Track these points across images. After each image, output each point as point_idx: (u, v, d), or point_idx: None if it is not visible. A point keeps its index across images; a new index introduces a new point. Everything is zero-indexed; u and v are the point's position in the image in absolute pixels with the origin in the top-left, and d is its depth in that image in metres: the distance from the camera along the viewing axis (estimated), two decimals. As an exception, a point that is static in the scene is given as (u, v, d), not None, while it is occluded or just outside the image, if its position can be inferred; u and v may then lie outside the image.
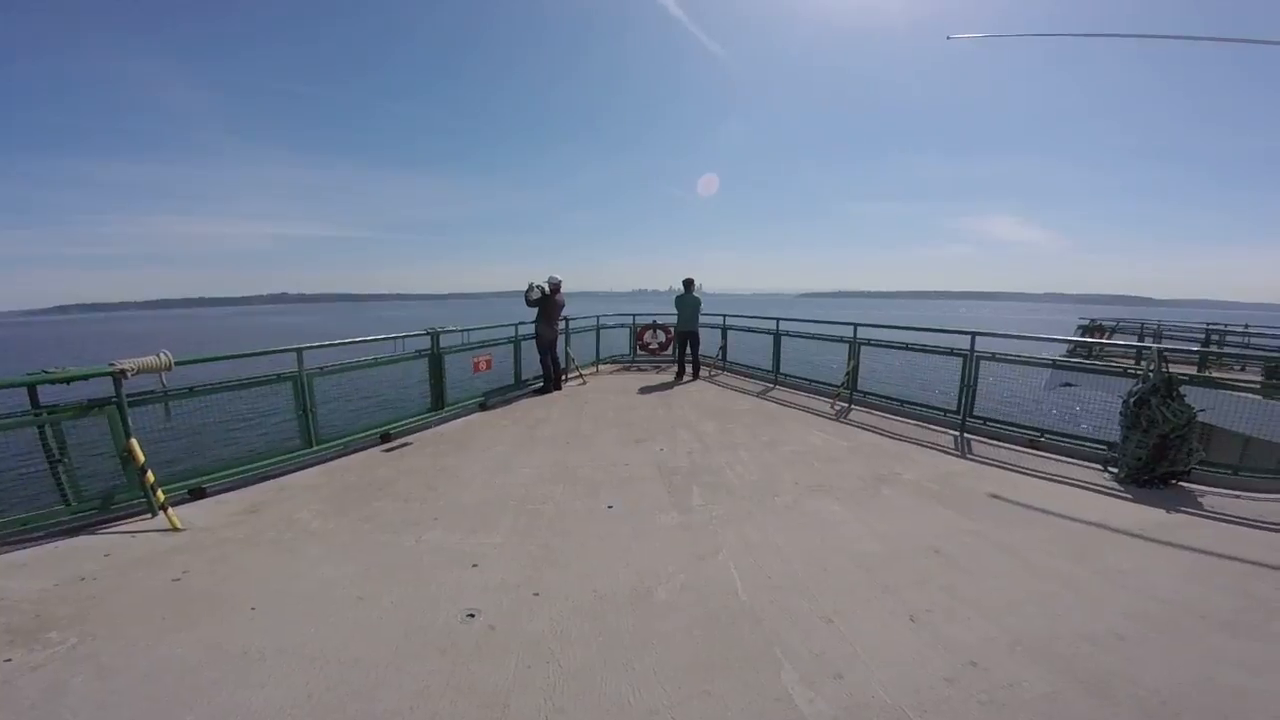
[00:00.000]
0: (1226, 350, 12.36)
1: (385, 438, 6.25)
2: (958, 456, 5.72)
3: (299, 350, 5.46)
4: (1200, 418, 4.78)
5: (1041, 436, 5.94)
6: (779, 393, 8.77)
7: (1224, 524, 4.10)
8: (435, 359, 7.05)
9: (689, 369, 9.96)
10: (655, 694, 2.37)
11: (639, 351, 11.31)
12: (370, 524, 4.16)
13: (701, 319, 10.05)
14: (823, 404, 7.92)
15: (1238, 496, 4.57)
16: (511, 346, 8.66)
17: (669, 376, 9.98)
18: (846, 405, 7.75)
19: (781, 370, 9.47)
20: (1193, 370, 8.56)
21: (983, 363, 6.46)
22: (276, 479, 5.10)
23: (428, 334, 7.03)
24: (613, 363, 11.26)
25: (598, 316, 11.03)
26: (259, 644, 2.73)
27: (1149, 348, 5.34)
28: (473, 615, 2.96)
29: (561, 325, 9.21)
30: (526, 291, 8.52)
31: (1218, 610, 2.96)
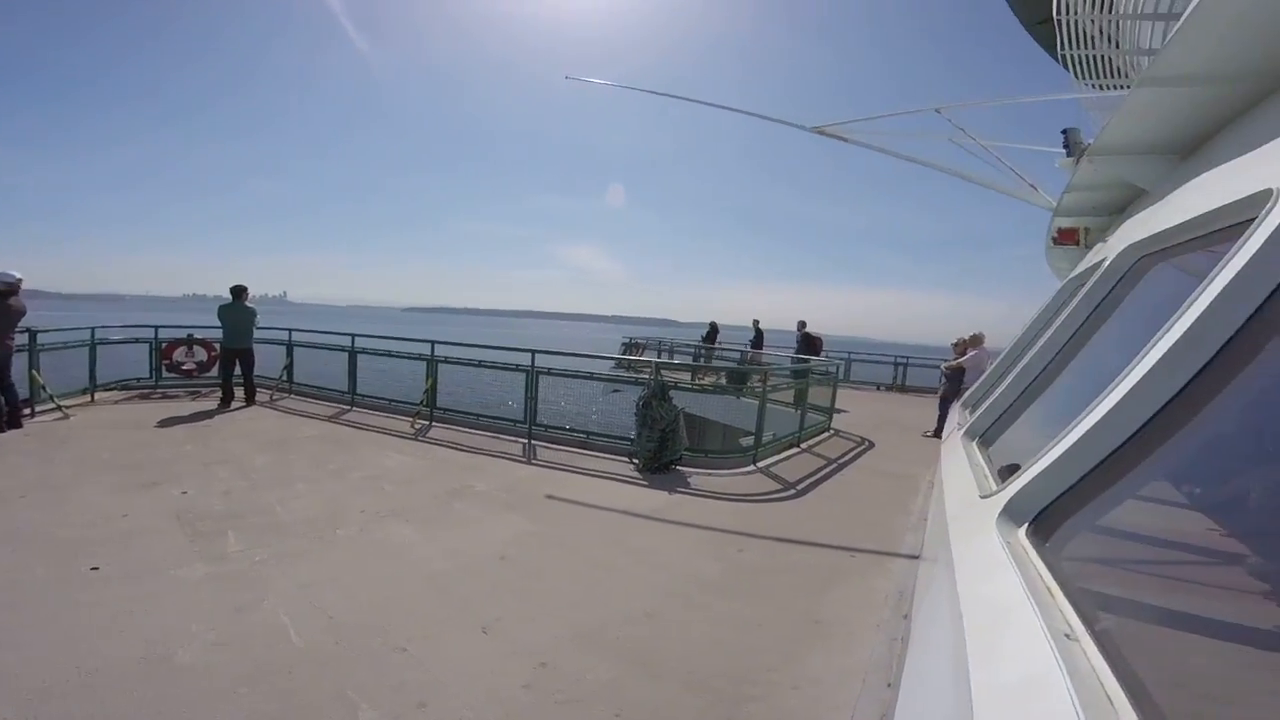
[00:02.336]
0: (713, 364, 16.83)
1: None
2: (525, 463, 6.27)
3: None
4: (701, 413, 6.36)
5: (588, 438, 7.03)
6: (355, 415, 8.12)
7: (703, 499, 5.40)
8: None
9: (240, 394, 8.36)
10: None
11: (166, 373, 8.90)
12: None
13: (259, 334, 8.62)
14: (403, 424, 7.67)
15: (710, 474, 6.16)
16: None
17: (212, 403, 8.15)
18: (427, 423, 7.69)
19: (359, 391, 8.82)
20: (686, 377, 11.49)
21: (550, 375, 7.30)
22: None
23: None
24: (122, 389, 8.52)
25: (93, 328, 8.09)
26: None
27: (650, 361, 6.95)
28: None
29: (22, 339, 6.53)
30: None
31: (709, 576, 3.77)
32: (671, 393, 6.29)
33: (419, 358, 8.19)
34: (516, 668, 2.69)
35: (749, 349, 14.23)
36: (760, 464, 6.58)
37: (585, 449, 6.84)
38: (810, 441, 7.96)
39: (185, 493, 4.73)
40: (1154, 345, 1.17)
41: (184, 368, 9.00)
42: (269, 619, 2.98)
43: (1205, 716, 0.82)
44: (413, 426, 7.53)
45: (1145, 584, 1.19)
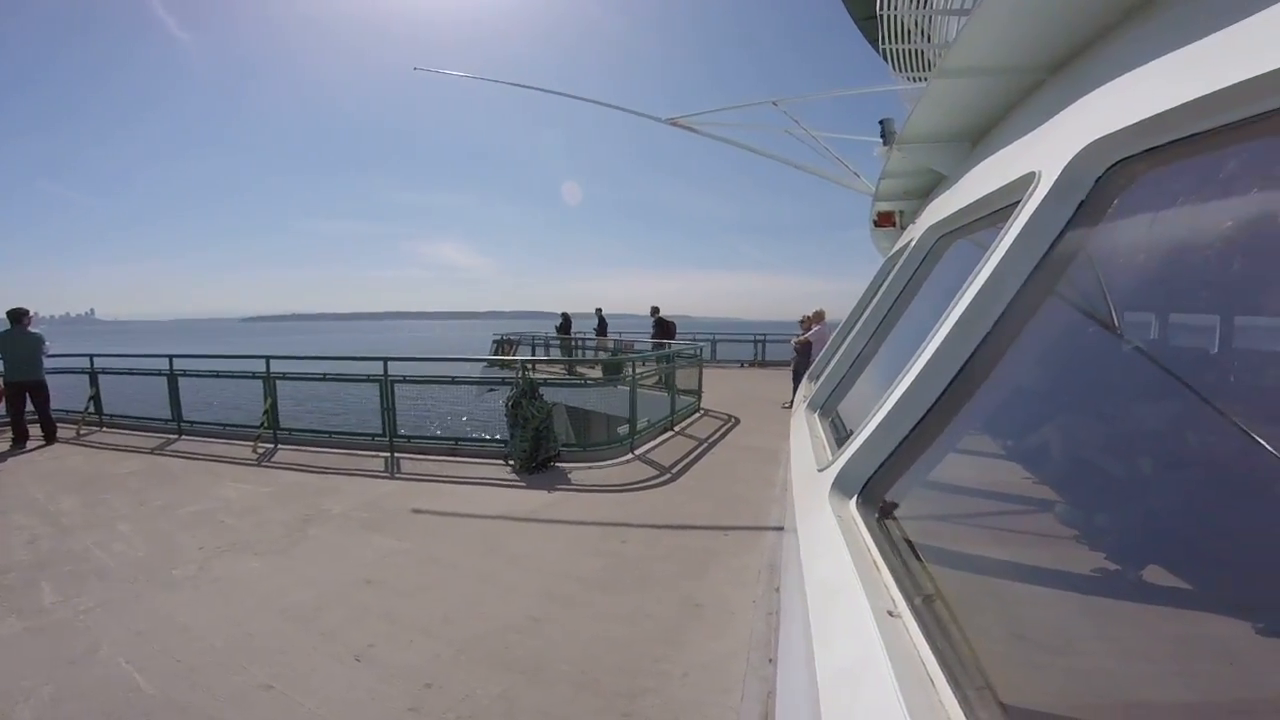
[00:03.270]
0: (586, 359, 16.73)
1: None
2: (387, 478, 5.85)
3: None
4: (582, 405, 6.22)
5: (457, 444, 6.70)
6: (185, 444, 7.18)
7: (584, 493, 5.33)
8: None
9: (38, 431, 7.22)
10: None
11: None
12: None
13: (53, 362, 7.47)
14: (243, 449, 6.85)
15: (590, 467, 6.09)
16: None
17: (3, 445, 7.02)
18: (271, 446, 6.94)
19: (185, 418, 7.77)
20: (559, 372, 11.31)
21: (407, 383, 6.84)
22: None
23: None
24: None
25: None
26: None
27: (515, 360, 6.77)
28: None
29: None
30: None
31: (592, 572, 3.72)
32: (547, 388, 6.14)
33: (252, 375, 7.36)
34: (399, 692, 2.54)
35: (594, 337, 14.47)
36: (637, 451, 6.64)
37: (455, 456, 6.50)
38: (683, 424, 8.19)
39: (-21, 545, 4.04)
40: (947, 316, 1.26)
41: (-40, 408, 7.50)
42: (110, 668, 2.71)
43: (1031, 669, 0.85)
44: (255, 452, 6.75)
45: (968, 543, 1.24)
